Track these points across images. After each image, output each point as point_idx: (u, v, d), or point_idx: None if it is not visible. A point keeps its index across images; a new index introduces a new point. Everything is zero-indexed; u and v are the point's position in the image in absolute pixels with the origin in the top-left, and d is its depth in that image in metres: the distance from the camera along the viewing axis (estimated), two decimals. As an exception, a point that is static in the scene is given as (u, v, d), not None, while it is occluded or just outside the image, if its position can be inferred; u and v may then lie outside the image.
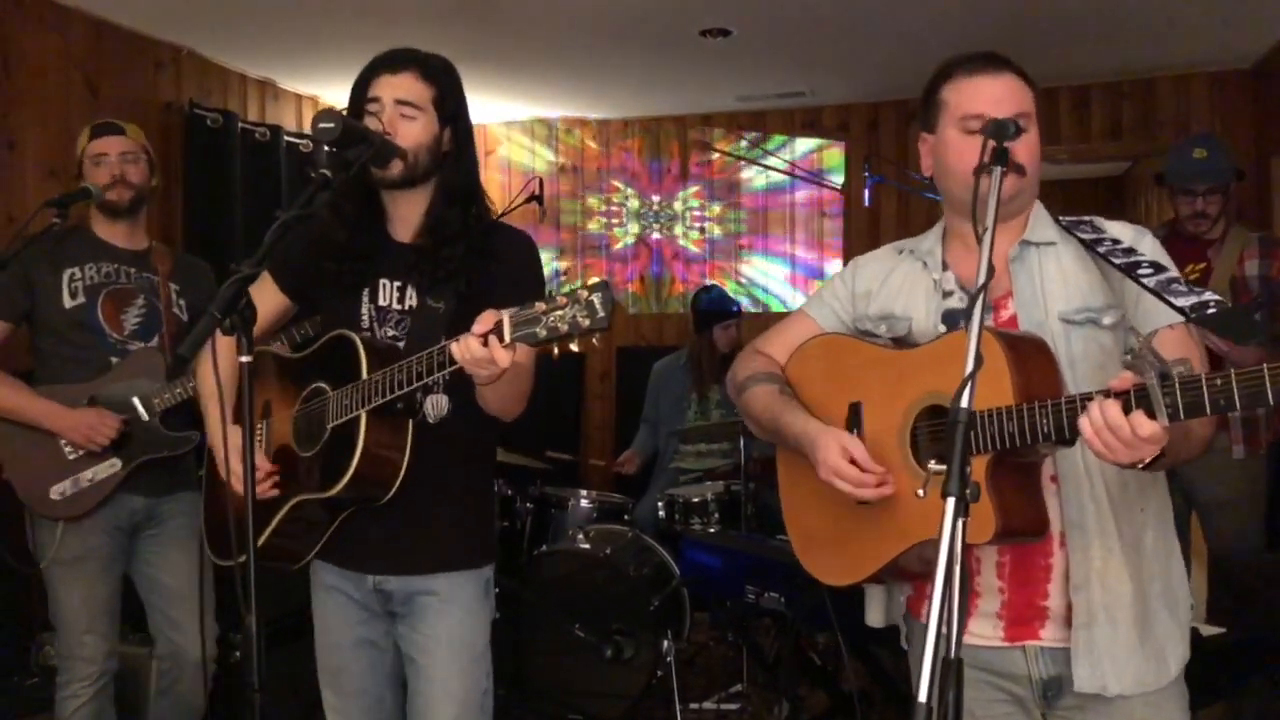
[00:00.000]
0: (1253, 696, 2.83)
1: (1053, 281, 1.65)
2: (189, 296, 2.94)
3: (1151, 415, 1.29)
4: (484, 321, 1.62)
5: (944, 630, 1.19)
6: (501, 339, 1.58)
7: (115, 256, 2.85)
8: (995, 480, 1.47)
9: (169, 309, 2.87)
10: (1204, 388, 1.26)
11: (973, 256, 1.65)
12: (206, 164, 4.62)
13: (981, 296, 1.34)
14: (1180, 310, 1.47)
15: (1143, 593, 1.61)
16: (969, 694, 1.61)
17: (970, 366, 1.28)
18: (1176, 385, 1.28)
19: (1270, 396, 1.22)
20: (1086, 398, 1.37)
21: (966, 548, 1.36)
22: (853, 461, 1.60)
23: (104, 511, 2.74)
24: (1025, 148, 1.62)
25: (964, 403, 1.26)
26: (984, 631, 1.65)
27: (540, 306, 1.54)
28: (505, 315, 1.59)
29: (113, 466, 2.74)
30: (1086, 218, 1.69)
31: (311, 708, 2.27)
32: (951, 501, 1.21)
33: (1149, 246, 1.62)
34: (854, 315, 1.83)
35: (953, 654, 1.19)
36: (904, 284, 1.78)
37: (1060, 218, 1.70)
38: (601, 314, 1.49)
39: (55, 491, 2.70)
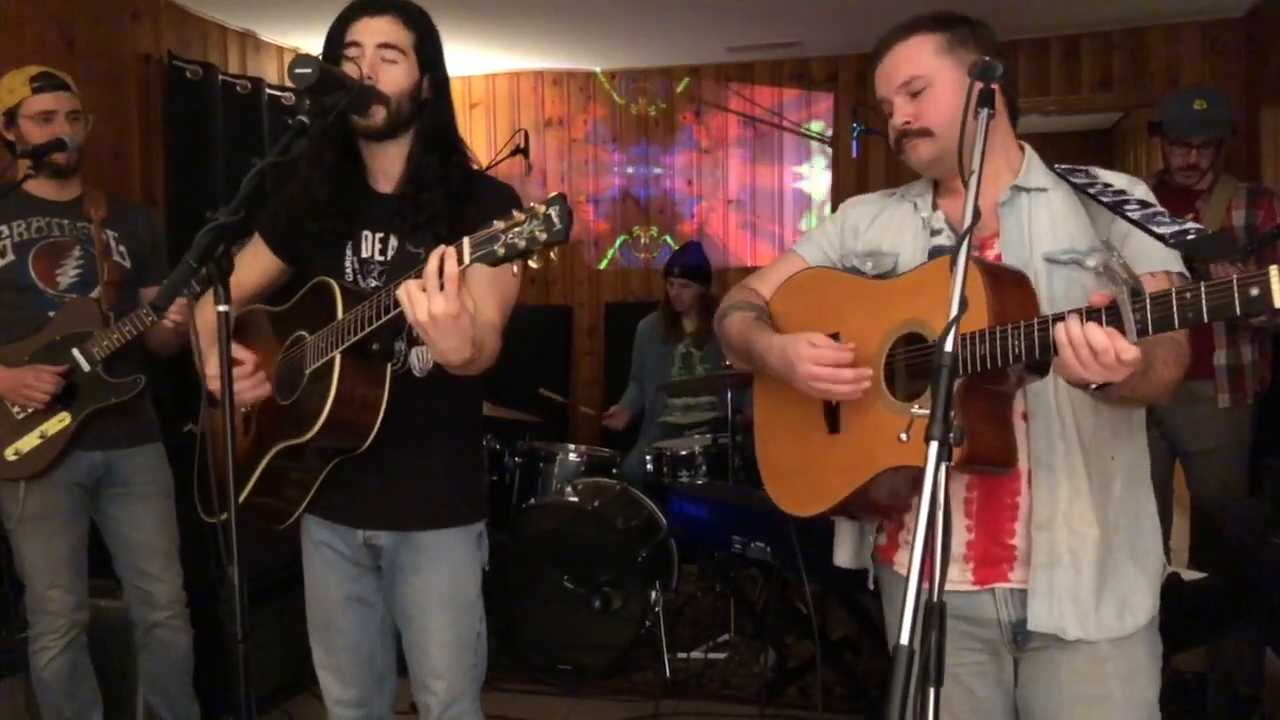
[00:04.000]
0: (1234, 640, 2.87)
1: (1041, 224, 1.64)
2: (128, 242, 2.88)
3: (1121, 330, 1.29)
4: (434, 256, 1.55)
5: (925, 575, 1.19)
6: (461, 260, 1.54)
7: (45, 210, 2.78)
8: (965, 406, 1.45)
9: (107, 257, 2.81)
10: (1173, 301, 1.25)
11: (962, 201, 1.65)
12: (187, 117, 4.55)
13: (967, 239, 1.33)
14: (1160, 237, 1.46)
15: (1108, 539, 1.61)
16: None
17: (955, 310, 1.27)
18: (1146, 300, 1.28)
19: (1238, 308, 1.20)
20: (1058, 318, 1.37)
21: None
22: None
23: (62, 468, 2.74)
24: (926, 107, 1.63)
25: (947, 347, 1.25)
26: (952, 575, 1.63)
27: (499, 225, 1.50)
28: (466, 238, 1.54)
29: (62, 421, 2.71)
30: (1083, 167, 1.69)
31: (301, 661, 2.29)
32: (935, 445, 1.20)
33: (1141, 191, 1.62)
34: (841, 252, 1.84)
35: (935, 598, 1.19)
36: (892, 223, 1.79)
37: (1056, 165, 1.69)
38: (559, 226, 1.45)
39: (9, 452, 2.69)
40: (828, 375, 1.60)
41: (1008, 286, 1.49)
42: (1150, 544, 1.68)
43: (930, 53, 1.64)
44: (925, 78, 1.64)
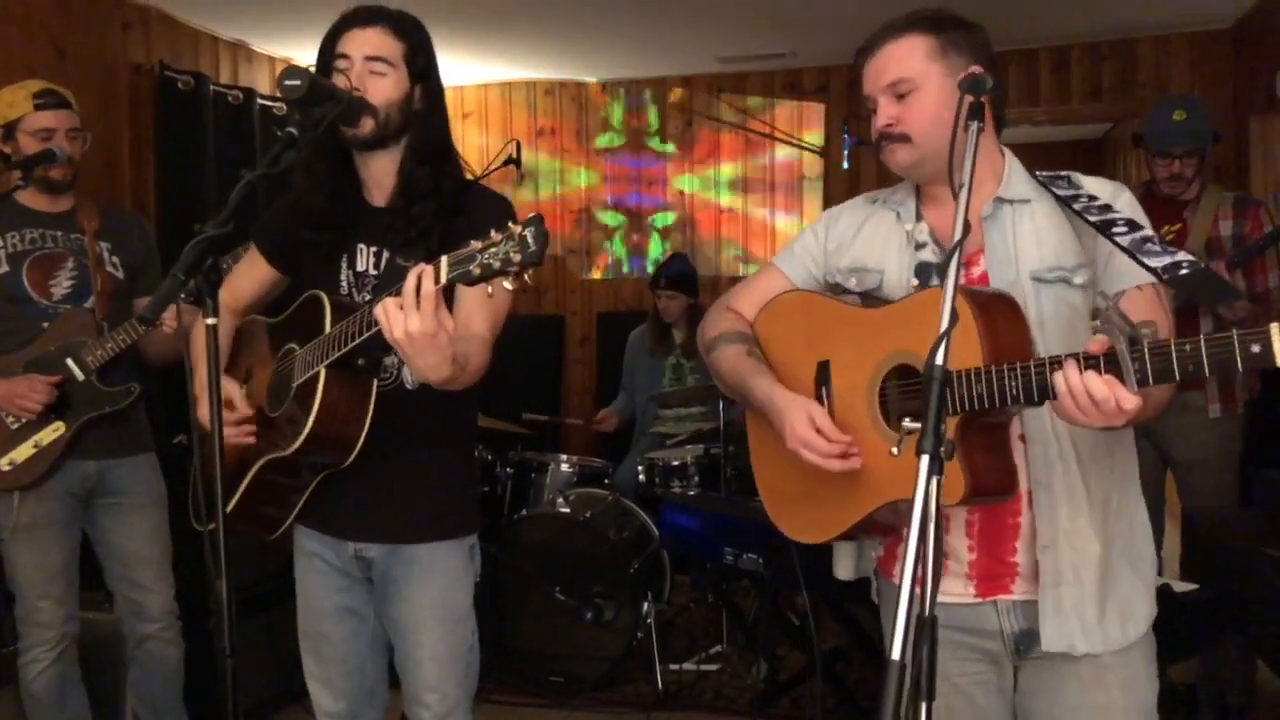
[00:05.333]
0: (1225, 651, 2.87)
1: (1026, 239, 1.62)
2: (122, 253, 2.89)
3: (1120, 380, 1.28)
4: (411, 274, 1.56)
5: (917, 589, 1.19)
6: (438, 279, 1.54)
7: (39, 221, 2.79)
8: (964, 441, 1.45)
9: (100, 268, 2.81)
10: (1173, 354, 1.24)
11: (946, 210, 1.65)
12: (178, 128, 4.54)
13: (956, 255, 1.33)
14: (1153, 271, 1.44)
15: (1107, 551, 1.61)
16: (941, 654, 1.63)
17: (945, 324, 1.27)
18: (1145, 351, 1.27)
19: (1239, 363, 1.20)
20: (1055, 361, 1.36)
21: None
22: (819, 431, 1.60)
23: (56, 478, 2.74)
24: (909, 112, 1.61)
25: (939, 360, 1.25)
26: (954, 589, 1.65)
27: (476, 245, 1.50)
28: (443, 256, 1.54)
29: (56, 430, 2.71)
30: (1064, 173, 1.67)
31: (291, 674, 2.28)
32: (926, 459, 1.20)
33: (1125, 203, 1.61)
34: (825, 269, 1.81)
35: (927, 612, 1.19)
36: (876, 235, 1.76)
37: (1037, 173, 1.68)
38: (533, 248, 1.45)
39: (4, 462, 2.69)
40: (814, 458, 1.59)
41: (998, 317, 1.48)
42: (1144, 547, 1.69)
43: (921, 55, 1.61)
44: (913, 81, 1.61)
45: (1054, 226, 1.62)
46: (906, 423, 1.27)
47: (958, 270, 1.32)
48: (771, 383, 1.72)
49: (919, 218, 1.72)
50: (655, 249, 6.07)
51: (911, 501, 1.50)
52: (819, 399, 1.69)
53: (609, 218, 6.16)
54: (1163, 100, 3.99)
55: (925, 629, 1.17)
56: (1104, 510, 1.62)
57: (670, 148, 6.04)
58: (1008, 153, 1.70)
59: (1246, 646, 2.82)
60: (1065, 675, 1.63)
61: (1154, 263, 1.45)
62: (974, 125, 1.43)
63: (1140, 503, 1.70)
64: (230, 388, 1.94)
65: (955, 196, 1.41)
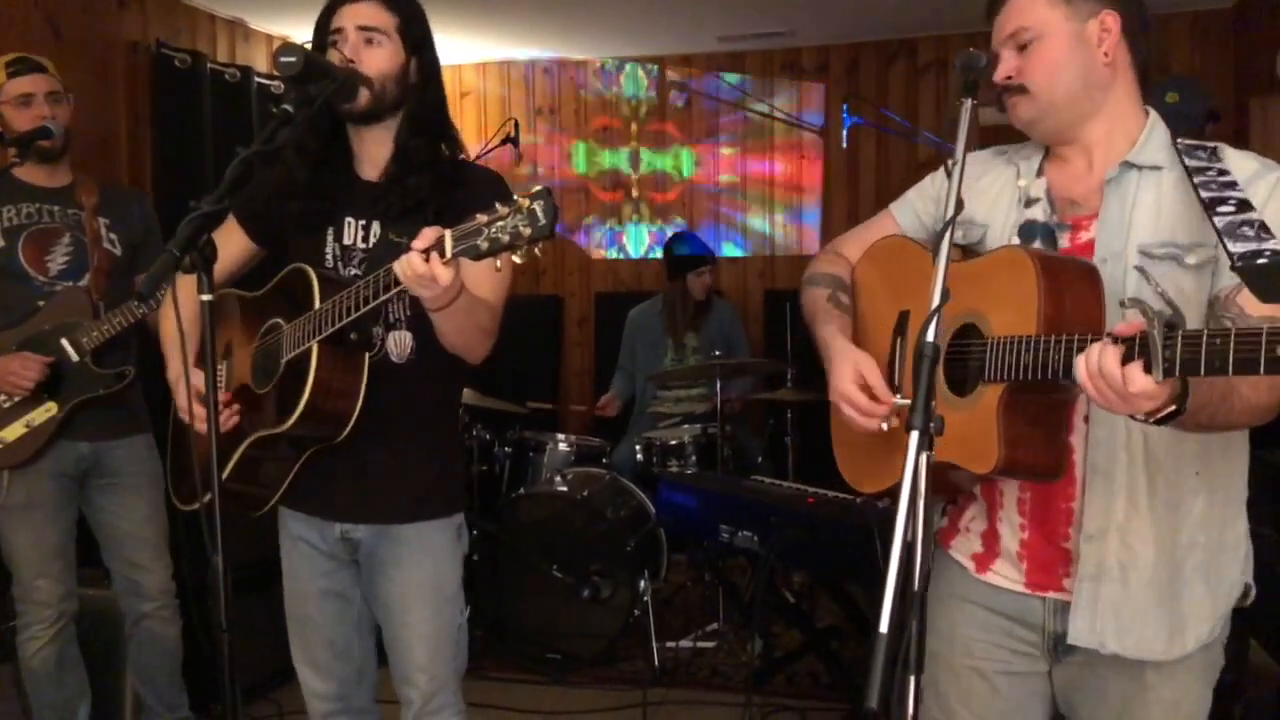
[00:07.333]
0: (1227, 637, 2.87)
1: (1145, 209, 1.50)
2: (120, 229, 2.88)
3: (1148, 369, 1.19)
4: (424, 237, 1.58)
5: (913, 572, 1.19)
6: (443, 254, 1.54)
7: (36, 196, 2.78)
8: (1009, 410, 1.40)
9: (97, 244, 2.80)
10: (1203, 345, 1.14)
11: (1069, 170, 1.59)
12: (175, 106, 4.53)
13: (949, 232, 1.32)
14: (1230, 255, 1.30)
15: (1173, 559, 1.51)
16: (979, 637, 1.62)
17: (936, 300, 1.26)
18: (1178, 339, 1.17)
19: (1262, 365, 1.10)
20: (1097, 338, 1.26)
21: (977, 476, 1.35)
22: (865, 388, 1.54)
23: (49, 458, 2.74)
24: (1030, 62, 1.52)
25: (929, 337, 1.24)
26: (1007, 573, 1.59)
27: (482, 218, 1.49)
28: (447, 231, 1.55)
29: (49, 410, 2.71)
30: (1211, 144, 1.53)
31: (289, 655, 2.29)
32: (915, 435, 1.20)
33: (1267, 185, 1.45)
34: (935, 216, 1.72)
35: (915, 586, 1.19)
36: (991, 188, 1.67)
37: (1179, 140, 1.54)
38: (543, 221, 1.45)
39: None
40: (851, 413, 1.56)
41: (1067, 286, 1.40)
42: (1230, 567, 1.57)
43: (1043, 2, 1.52)
44: (1033, 30, 1.52)
45: (1178, 199, 1.49)
46: (898, 398, 1.27)
47: (949, 249, 1.31)
48: (834, 331, 1.68)
49: (1040, 174, 1.63)
50: (654, 230, 6.06)
51: (954, 466, 1.46)
52: (893, 348, 1.65)
53: (607, 197, 6.15)
54: (1157, 83, 3.97)
55: (913, 603, 1.17)
56: (1174, 514, 1.50)
57: (668, 127, 6.02)
58: (1152, 115, 1.60)
59: (1240, 625, 2.83)
60: (1109, 682, 1.56)
61: (1235, 247, 1.30)
62: (968, 101, 1.42)
63: (1238, 520, 1.57)
64: (198, 378, 1.81)
65: (949, 174, 1.39)
